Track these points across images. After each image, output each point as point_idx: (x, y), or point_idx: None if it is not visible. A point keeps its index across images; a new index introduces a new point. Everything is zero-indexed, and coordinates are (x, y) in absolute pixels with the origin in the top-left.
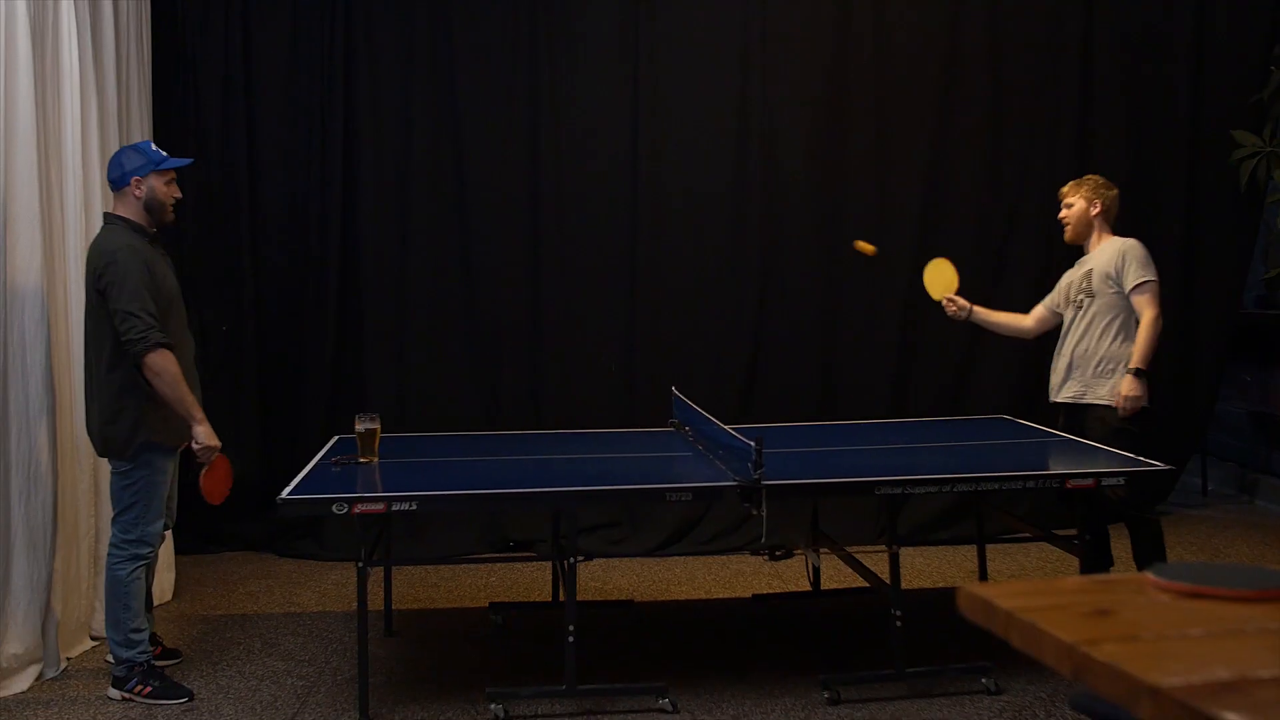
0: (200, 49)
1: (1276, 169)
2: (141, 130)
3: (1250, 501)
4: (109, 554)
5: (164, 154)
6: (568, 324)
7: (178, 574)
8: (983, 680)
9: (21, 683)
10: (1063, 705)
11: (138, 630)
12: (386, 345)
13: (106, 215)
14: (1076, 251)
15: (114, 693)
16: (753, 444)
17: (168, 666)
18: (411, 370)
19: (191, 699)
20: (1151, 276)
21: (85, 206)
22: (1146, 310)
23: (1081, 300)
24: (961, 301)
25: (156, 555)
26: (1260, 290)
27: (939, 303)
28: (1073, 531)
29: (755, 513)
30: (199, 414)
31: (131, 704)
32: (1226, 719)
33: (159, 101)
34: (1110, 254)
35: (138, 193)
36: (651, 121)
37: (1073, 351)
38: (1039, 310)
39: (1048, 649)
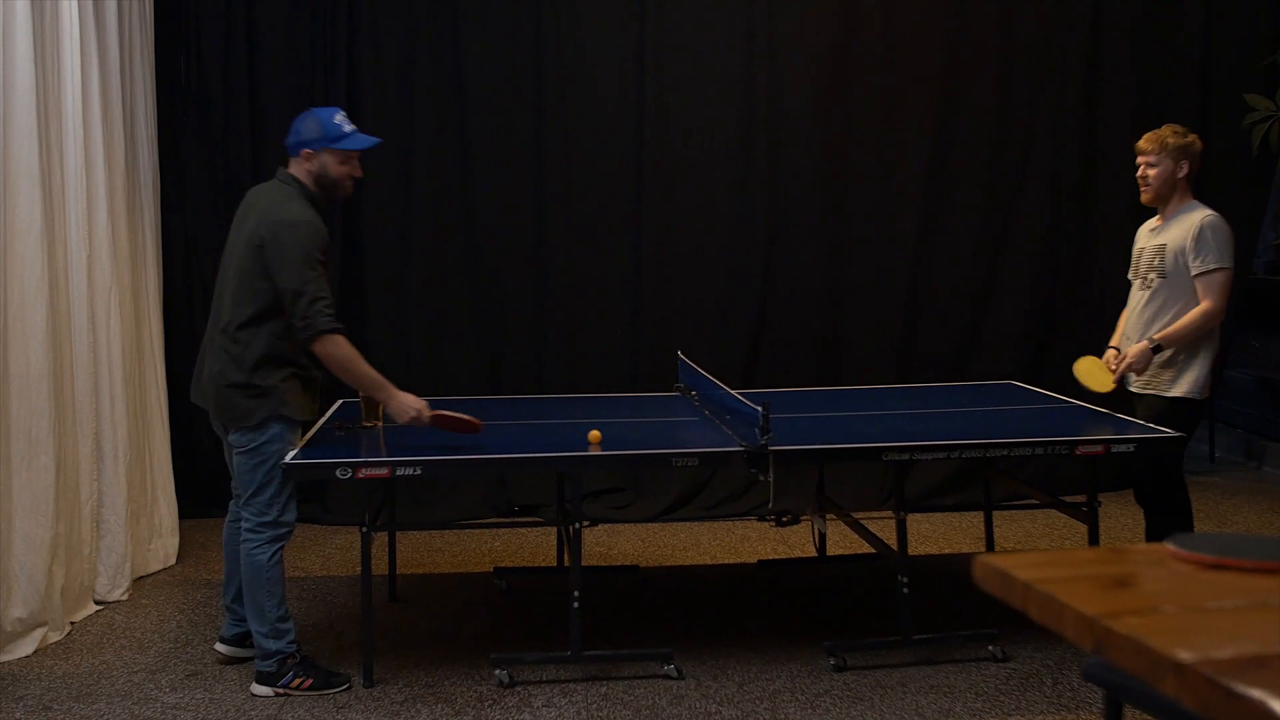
0: (202, 2)
1: None
2: (145, 88)
3: (1258, 468)
4: (245, 540)
5: (346, 130)
6: (571, 287)
7: (181, 538)
8: (989, 647)
9: (26, 646)
10: (1070, 673)
11: (284, 619)
12: (388, 308)
13: (282, 172)
14: (1083, 208)
15: (261, 689)
16: (760, 409)
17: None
18: (414, 334)
19: (349, 686)
20: (1225, 264)
21: (86, 166)
22: (1205, 299)
23: (1152, 280)
24: (1119, 360)
25: None
26: (1270, 256)
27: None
28: (1081, 498)
29: (762, 478)
30: (384, 391)
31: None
32: (1252, 695)
33: (161, 59)
34: (1187, 229)
35: (308, 165)
36: (656, 84)
37: (1142, 338)
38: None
39: (1068, 621)
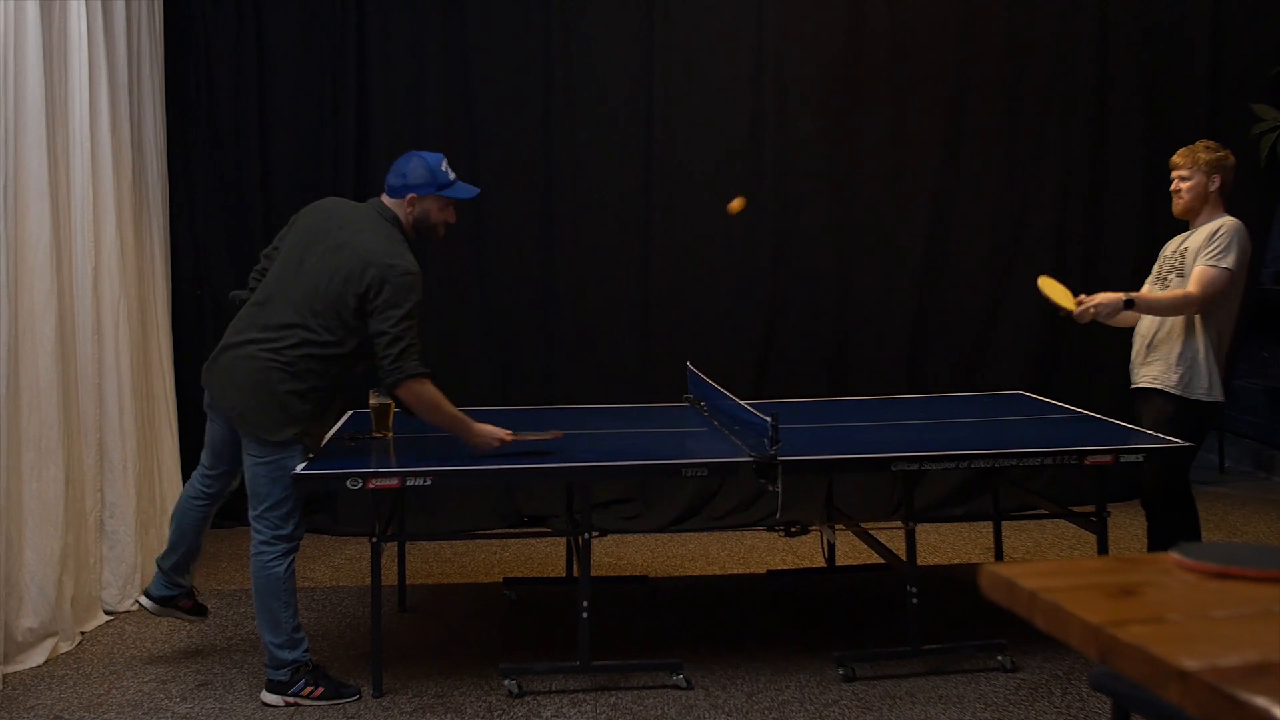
0: (211, 13)
1: None
2: (154, 99)
3: (1267, 478)
4: (259, 553)
5: (452, 176)
6: (580, 298)
7: None
8: (998, 657)
9: (37, 656)
10: (1079, 683)
11: (298, 629)
12: None
13: (382, 206)
14: (1091, 218)
15: (272, 698)
16: (769, 419)
17: (194, 621)
18: (423, 345)
19: (359, 697)
20: (1226, 264)
21: (94, 178)
22: (1193, 285)
23: (1171, 280)
24: (1089, 302)
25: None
26: (1278, 266)
27: (1061, 311)
28: (1090, 508)
29: (771, 488)
30: (467, 430)
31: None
32: (1256, 703)
33: (170, 69)
34: (1206, 233)
35: (410, 209)
36: (664, 96)
37: (1153, 334)
38: (1146, 289)
39: (1073, 630)
